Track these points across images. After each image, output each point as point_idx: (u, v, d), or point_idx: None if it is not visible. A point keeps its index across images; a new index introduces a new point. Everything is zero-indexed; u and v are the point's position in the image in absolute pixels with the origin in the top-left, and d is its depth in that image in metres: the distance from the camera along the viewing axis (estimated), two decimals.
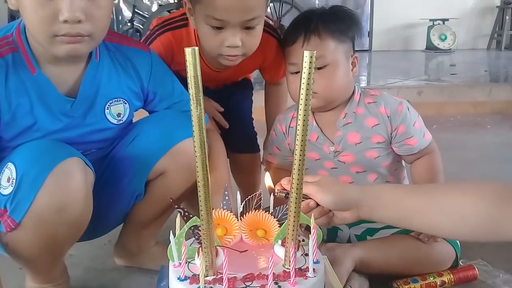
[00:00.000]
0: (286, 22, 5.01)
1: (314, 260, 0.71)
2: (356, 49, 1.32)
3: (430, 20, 6.23)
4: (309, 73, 0.64)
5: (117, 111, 1.11)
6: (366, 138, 1.25)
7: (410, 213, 0.84)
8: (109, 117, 1.10)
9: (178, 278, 0.68)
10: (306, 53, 0.64)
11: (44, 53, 1.00)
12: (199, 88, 0.62)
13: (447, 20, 6.16)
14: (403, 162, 1.33)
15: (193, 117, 0.63)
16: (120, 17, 6.79)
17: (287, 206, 0.74)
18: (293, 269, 0.66)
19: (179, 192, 1.14)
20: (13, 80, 0.99)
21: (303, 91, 0.65)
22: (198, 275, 0.67)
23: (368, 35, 6.69)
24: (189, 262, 0.72)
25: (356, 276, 1.16)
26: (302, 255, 0.74)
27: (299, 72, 1.19)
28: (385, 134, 1.25)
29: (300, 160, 0.67)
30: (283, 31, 1.37)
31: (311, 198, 0.85)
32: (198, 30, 1.23)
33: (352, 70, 1.26)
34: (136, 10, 5.52)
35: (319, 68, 1.19)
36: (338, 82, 1.22)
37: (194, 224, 0.73)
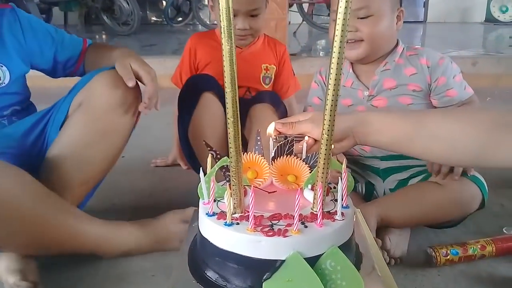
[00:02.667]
0: None
1: (344, 205, 0.70)
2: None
3: None
4: (345, 16, 0.61)
5: None
6: (402, 85, 1.27)
7: (401, 138, 0.85)
8: None
9: (207, 214, 0.69)
10: None
11: None
12: (230, 21, 0.61)
13: None
14: None
15: (224, 51, 0.62)
16: None
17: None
18: (321, 210, 0.65)
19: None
20: None
21: (338, 27, 0.62)
22: (226, 211, 0.67)
23: (424, 6, 6.42)
24: (218, 201, 0.73)
25: (397, 232, 1.16)
26: (331, 200, 0.73)
27: None
28: (423, 84, 1.26)
29: (332, 101, 0.65)
30: None
31: (308, 136, 0.85)
32: (218, 20, 1.45)
33: (396, 23, 1.27)
34: None
35: (364, 18, 1.22)
36: (382, 32, 1.24)
37: (225, 164, 0.74)
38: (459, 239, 1.21)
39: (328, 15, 5.78)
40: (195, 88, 1.46)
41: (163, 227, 1.18)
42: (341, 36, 0.62)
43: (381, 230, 1.16)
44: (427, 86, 1.26)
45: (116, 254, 1.14)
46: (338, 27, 0.62)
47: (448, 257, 1.12)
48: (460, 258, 1.13)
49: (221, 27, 0.61)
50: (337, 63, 0.63)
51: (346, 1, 0.61)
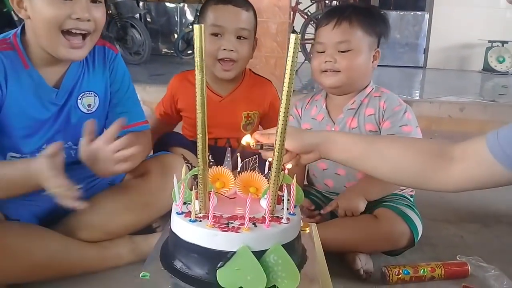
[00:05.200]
0: None
1: (291, 212, 0.84)
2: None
3: (489, 41, 6.14)
4: (293, 54, 0.77)
5: (88, 102, 1.33)
6: (361, 125, 1.39)
7: (356, 157, 1.02)
8: (80, 106, 1.32)
9: (176, 212, 0.84)
10: (292, 36, 0.77)
11: (38, 55, 1.22)
12: (202, 57, 0.77)
13: (507, 42, 6.05)
14: None
15: (196, 81, 0.78)
16: (183, 20, 7.16)
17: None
18: (268, 212, 0.80)
19: None
20: (9, 71, 1.19)
21: (288, 66, 0.78)
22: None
23: (424, 52, 6.67)
24: (188, 203, 0.87)
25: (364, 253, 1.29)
26: (282, 208, 0.87)
27: (324, 51, 1.36)
28: (376, 125, 1.37)
29: (283, 122, 0.81)
30: None
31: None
32: None
33: (372, 62, 1.40)
34: (198, 14, 5.85)
35: (344, 51, 1.35)
36: (358, 66, 1.37)
37: (195, 173, 0.88)
38: (415, 263, 1.33)
39: None
40: (166, 145, 1.48)
41: (150, 246, 1.28)
42: (291, 70, 0.78)
43: (351, 253, 1.30)
44: (379, 127, 1.37)
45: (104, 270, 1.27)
46: (289, 63, 0.78)
47: (400, 276, 1.25)
48: (411, 277, 1.26)
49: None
50: (286, 98, 0.79)
51: (295, 43, 0.78)
